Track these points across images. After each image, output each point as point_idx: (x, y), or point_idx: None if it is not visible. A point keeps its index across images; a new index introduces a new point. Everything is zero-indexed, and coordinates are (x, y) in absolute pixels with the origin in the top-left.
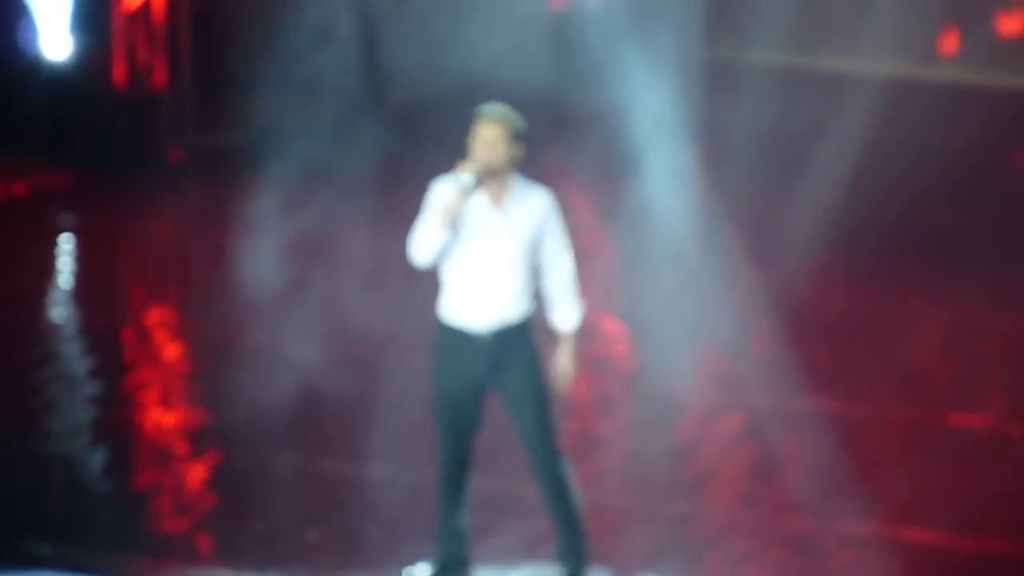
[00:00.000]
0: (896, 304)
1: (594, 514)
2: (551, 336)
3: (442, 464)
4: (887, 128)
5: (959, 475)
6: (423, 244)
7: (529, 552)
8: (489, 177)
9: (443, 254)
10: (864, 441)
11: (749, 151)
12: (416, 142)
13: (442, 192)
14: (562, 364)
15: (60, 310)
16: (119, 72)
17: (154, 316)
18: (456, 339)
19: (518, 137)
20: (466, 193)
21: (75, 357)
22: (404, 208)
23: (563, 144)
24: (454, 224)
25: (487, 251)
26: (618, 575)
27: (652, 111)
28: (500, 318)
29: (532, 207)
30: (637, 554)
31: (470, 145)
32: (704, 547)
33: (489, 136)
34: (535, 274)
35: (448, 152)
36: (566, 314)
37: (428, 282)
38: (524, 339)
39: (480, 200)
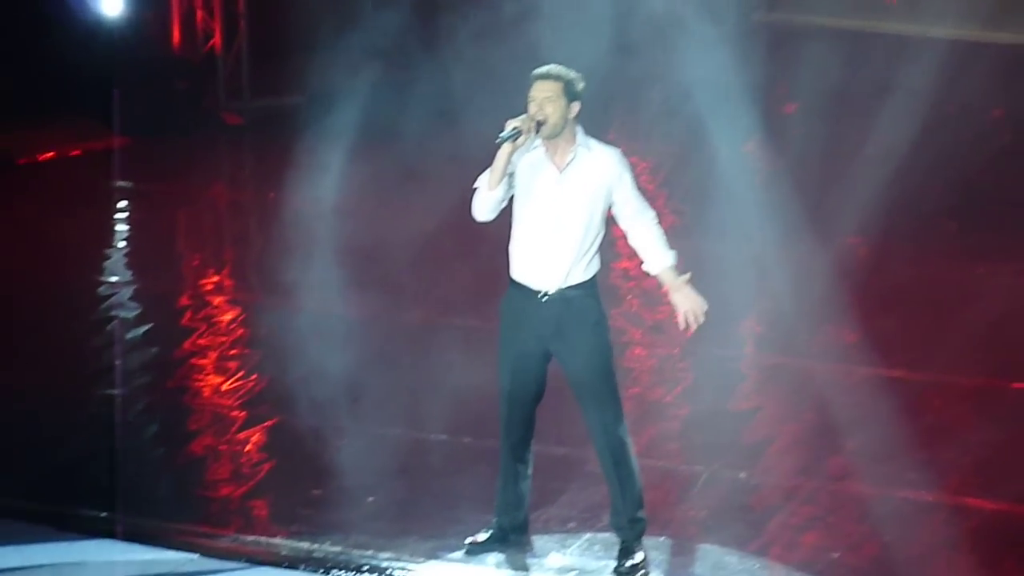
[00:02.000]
0: (960, 270)
1: (652, 481)
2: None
3: (504, 430)
4: (952, 91)
5: (1022, 443)
6: (477, 201)
7: (587, 520)
8: (542, 135)
9: (498, 211)
10: (926, 408)
11: (810, 115)
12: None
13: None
14: (678, 302)
15: (116, 273)
16: (175, 34)
17: (211, 280)
18: (521, 296)
19: (573, 95)
20: (507, 145)
21: (131, 322)
22: (465, 171)
23: (622, 110)
24: (503, 180)
25: (544, 211)
26: (677, 543)
27: (712, 75)
28: (561, 279)
29: (594, 168)
30: (696, 522)
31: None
32: (764, 514)
33: (540, 94)
34: (602, 237)
35: (512, 114)
36: (657, 256)
37: (493, 245)
38: (588, 303)
39: (539, 160)
